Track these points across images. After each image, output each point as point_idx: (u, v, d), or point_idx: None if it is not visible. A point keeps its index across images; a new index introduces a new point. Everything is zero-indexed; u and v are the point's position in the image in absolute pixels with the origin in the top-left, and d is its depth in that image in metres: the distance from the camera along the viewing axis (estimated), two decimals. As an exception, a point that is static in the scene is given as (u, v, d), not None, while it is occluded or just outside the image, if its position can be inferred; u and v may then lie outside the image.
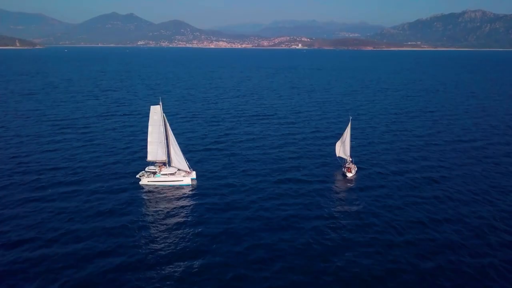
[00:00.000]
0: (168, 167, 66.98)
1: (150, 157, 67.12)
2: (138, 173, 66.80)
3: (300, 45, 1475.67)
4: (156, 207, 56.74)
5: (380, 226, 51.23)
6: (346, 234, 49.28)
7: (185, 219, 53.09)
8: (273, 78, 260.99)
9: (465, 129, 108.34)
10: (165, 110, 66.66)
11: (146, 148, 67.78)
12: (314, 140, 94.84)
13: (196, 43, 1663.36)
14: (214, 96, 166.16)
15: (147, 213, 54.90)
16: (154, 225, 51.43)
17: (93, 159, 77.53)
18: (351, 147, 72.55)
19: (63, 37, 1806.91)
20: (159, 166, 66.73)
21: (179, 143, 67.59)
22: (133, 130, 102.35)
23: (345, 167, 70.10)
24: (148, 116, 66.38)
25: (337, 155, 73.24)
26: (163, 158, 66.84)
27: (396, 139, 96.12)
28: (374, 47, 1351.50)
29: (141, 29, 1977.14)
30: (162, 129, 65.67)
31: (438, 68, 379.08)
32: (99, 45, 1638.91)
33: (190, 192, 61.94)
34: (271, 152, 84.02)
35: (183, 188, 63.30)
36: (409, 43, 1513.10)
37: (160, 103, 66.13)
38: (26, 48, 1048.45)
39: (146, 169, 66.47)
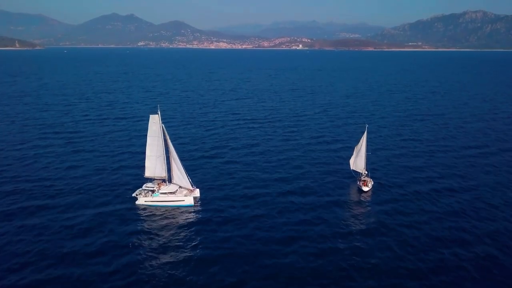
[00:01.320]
0: (168, 184, 59.35)
1: (148, 173, 59.48)
2: (131, 188, 59.82)
3: (300, 45, 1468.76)
4: (150, 231, 49.40)
5: (401, 251, 44.80)
6: (362, 260, 42.91)
7: (181, 243, 46.56)
8: (273, 79, 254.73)
9: (477, 134, 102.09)
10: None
11: (143, 160, 60.43)
12: (319, 146, 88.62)
13: (197, 44, 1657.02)
14: (213, 99, 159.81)
15: (140, 238, 47.69)
16: (144, 252, 44.82)
17: (79, 170, 70.75)
18: (367, 158, 65.45)
19: (63, 38, 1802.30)
20: (158, 184, 59.03)
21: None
22: (127, 137, 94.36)
23: (360, 181, 63.35)
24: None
25: (351, 168, 66.28)
26: (163, 174, 59.18)
27: (408, 146, 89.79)
28: (375, 48, 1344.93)
29: (142, 30, 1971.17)
30: (161, 141, 58.30)
31: (441, 69, 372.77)
32: (99, 46, 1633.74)
33: (192, 213, 54.19)
34: (274, 160, 77.76)
35: (184, 209, 55.54)
36: (410, 43, 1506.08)
37: (159, 112, 58.49)
38: (25, 49, 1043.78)
39: (144, 187, 58.61)
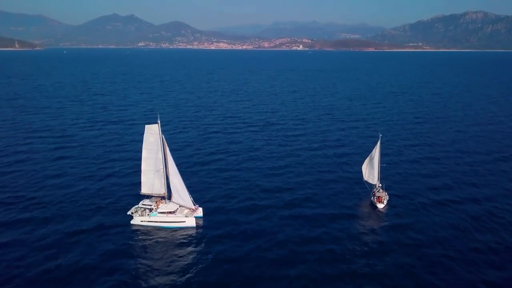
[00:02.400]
0: (167, 202, 53.40)
1: (144, 189, 53.51)
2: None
3: (301, 46, 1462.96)
4: (133, 253, 43.92)
5: (415, 280, 39.57)
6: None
7: (172, 268, 41.34)
8: (274, 80, 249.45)
9: (487, 138, 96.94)
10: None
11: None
12: (322, 151, 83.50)
13: (197, 45, 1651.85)
14: (211, 101, 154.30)
15: (124, 263, 42.14)
16: (127, 278, 39.52)
17: (63, 179, 65.29)
18: (380, 170, 59.43)
19: (63, 39, 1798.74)
20: (156, 202, 53.20)
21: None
22: (121, 144, 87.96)
23: (374, 196, 57.29)
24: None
25: (364, 178, 60.64)
26: (161, 191, 53.18)
27: (417, 151, 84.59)
28: (375, 48, 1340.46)
29: (142, 31, 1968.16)
30: (160, 154, 52.13)
31: (442, 70, 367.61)
32: (100, 46, 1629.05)
33: (193, 236, 48.15)
34: (276, 167, 72.61)
35: (185, 231, 49.31)
36: (411, 44, 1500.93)
37: (159, 121, 52.27)
38: (25, 49, 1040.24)
39: (140, 204, 52.81)
